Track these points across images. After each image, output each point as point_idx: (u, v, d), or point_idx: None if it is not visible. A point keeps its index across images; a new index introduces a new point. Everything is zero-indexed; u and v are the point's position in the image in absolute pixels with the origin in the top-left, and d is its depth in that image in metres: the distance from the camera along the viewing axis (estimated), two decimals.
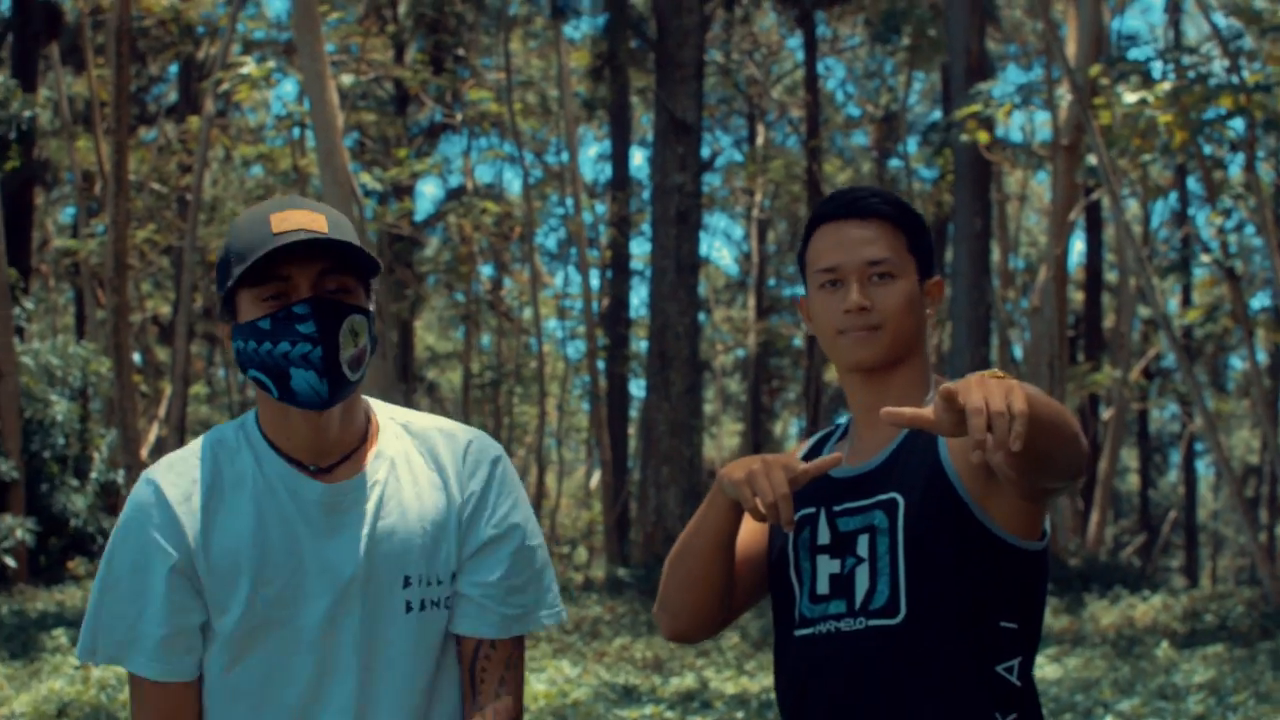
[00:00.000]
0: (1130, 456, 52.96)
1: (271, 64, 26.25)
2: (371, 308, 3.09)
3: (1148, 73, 21.69)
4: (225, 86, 24.86)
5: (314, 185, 28.86)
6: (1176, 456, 55.01)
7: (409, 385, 35.79)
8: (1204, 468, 55.42)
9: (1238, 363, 48.45)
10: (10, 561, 22.72)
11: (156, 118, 39.02)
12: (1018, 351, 34.87)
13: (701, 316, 35.30)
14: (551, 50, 37.17)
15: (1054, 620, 20.45)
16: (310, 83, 17.93)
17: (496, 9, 34.15)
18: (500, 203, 34.86)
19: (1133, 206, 38.22)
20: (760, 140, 43.41)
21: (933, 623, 3.14)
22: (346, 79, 30.39)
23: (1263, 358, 41.39)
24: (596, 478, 42.49)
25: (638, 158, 58.11)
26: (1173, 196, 40.08)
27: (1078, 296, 41.85)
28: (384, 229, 29.82)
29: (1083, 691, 12.38)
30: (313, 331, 2.97)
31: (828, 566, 3.26)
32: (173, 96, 40.23)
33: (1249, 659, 15.55)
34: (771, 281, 47.08)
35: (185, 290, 25.95)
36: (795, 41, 42.67)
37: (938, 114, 39.76)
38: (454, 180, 41.46)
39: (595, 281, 38.92)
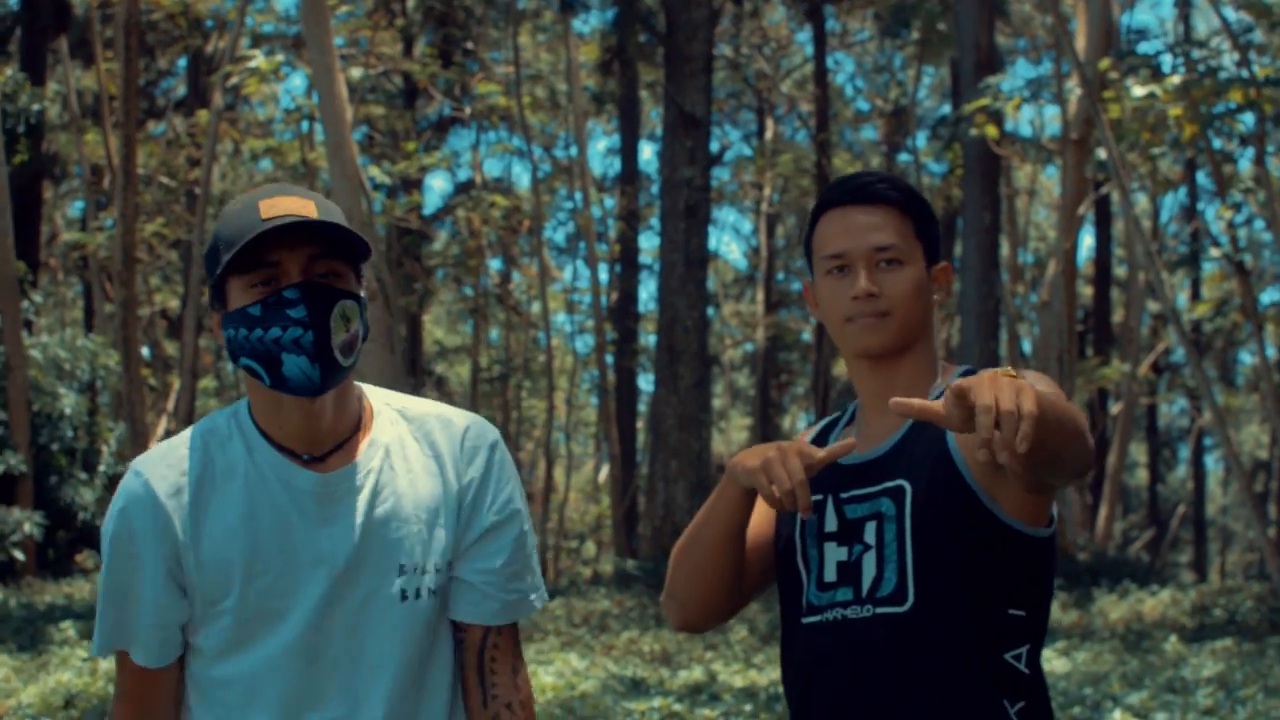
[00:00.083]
0: (1139, 451, 52.96)
1: (280, 57, 26.22)
2: (363, 293, 3.06)
3: (1157, 67, 21.66)
4: (234, 80, 24.87)
5: (322, 179, 28.86)
6: (1185, 451, 54.97)
7: (417, 379, 35.79)
8: (1213, 463, 55.41)
9: (1247, 357, 48.40)
10: (18, 555, 22.74)
11: (165, 111, 39.09)
12: (1027, 346, 34.88)
13: (710, 311, 35.34)
14: (560, 44, 37.19)
15: (1062, 615, 20.45)
16: (319, 76, 17.92)
17: (505, 3, 34.18)
18: (509, 197, 34.86)
19: (1142, 201, 38.21)
20: (769, 134, 43.41)
21: (941, 610, 3.12)
22: (355, 72, 30.40)
23: (1272, 352, 41.40)
24: (605, 472, 42.52)
25: (646, 152, 58.17)
26: (1182, 191, 40.04)
27: (1087, 291, 41.80)
28: (392, 223, 29.83)
29: (1091, 685, 12.37)
30: (304, 316, 2.94)
31: (835, 554, 3.24)
32: (181, 90, 40.24)
33: (1258, 653, 15.54)
34: (780, 276, 47.10)
35: (194, 284, 25.98)
36: (804, 36, 42.64)
37: (947, 108, 39.76)
38: (462, 174, 41.52)
39: (604, 276, 38.94)
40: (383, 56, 33.55)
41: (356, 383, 3.19)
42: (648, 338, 40.10)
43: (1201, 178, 39.62)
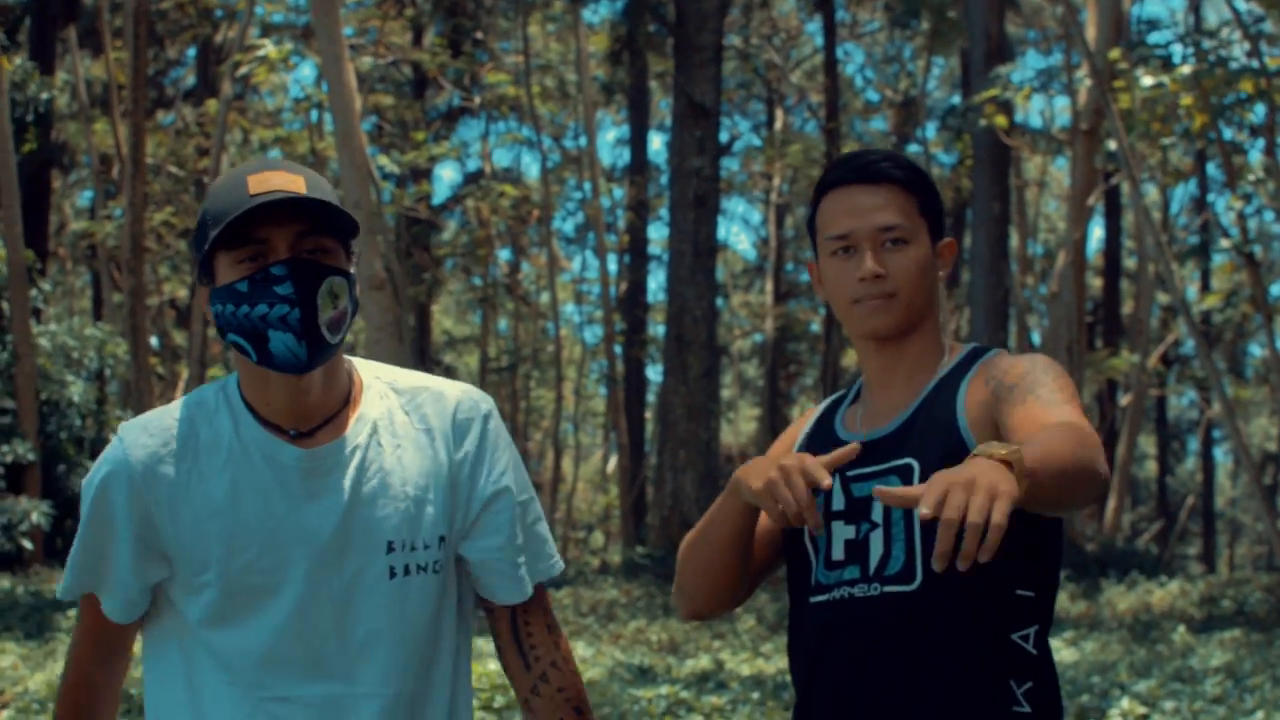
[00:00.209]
0: (1148, 443, 52.91)
1: (289, 47, 26.23)
2: (353, 270, 3.05)
3: (1168, 57, 21.62)
4: (243, 70, 24.86)
5: (332, 168, 28.87)
6: (1194, 443, 54.96)
7: (426, 369, 35.79)
8: (1222, 455, 55.38)
9: (1257, 349, 48.34)
10: (26, 544, 22.76)
11: (174, 101, 39.07)
12: (1036, 337, 34.84)
13: (719, 301, 35.28)
14: (570, 34, 37.18)
15: (1071, 605, 20.44)
16: (328, 66, 17.90)
17: None
18: (518, 186, 34.84)
19: (1152, 192, 38.13)
20: (779, 125, 43.37)
21: (948, 589, 3.11)
22: (365, 62, 30.39)
23: None
24: (613, 462, 42.52)
25: (656, 142, 58.23)
26: (1192, 183, 39.97)
27: (1096, 282, 41.79)
28: (401, 212, 29.83)
29: (1099, 674, 12.36)
30: (290, 293, 2.92)
31: (843, 532, 3.23)
32: (190, 80, 40.27)
33: (1266, 644, 15.52)
34: (789, 266, 47.06)
35: None
36: (814, 26, 42.65)
37: (957, 99, 39.70)
38: (472, 164, 41.47)
39: (613, 266, 38.93)
40: (392, 46, 33.56)
41: (347, 357, 3.18)
42: (656, 328, 40.01)
43: (1212, 169, 39.54)
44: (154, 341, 33.75)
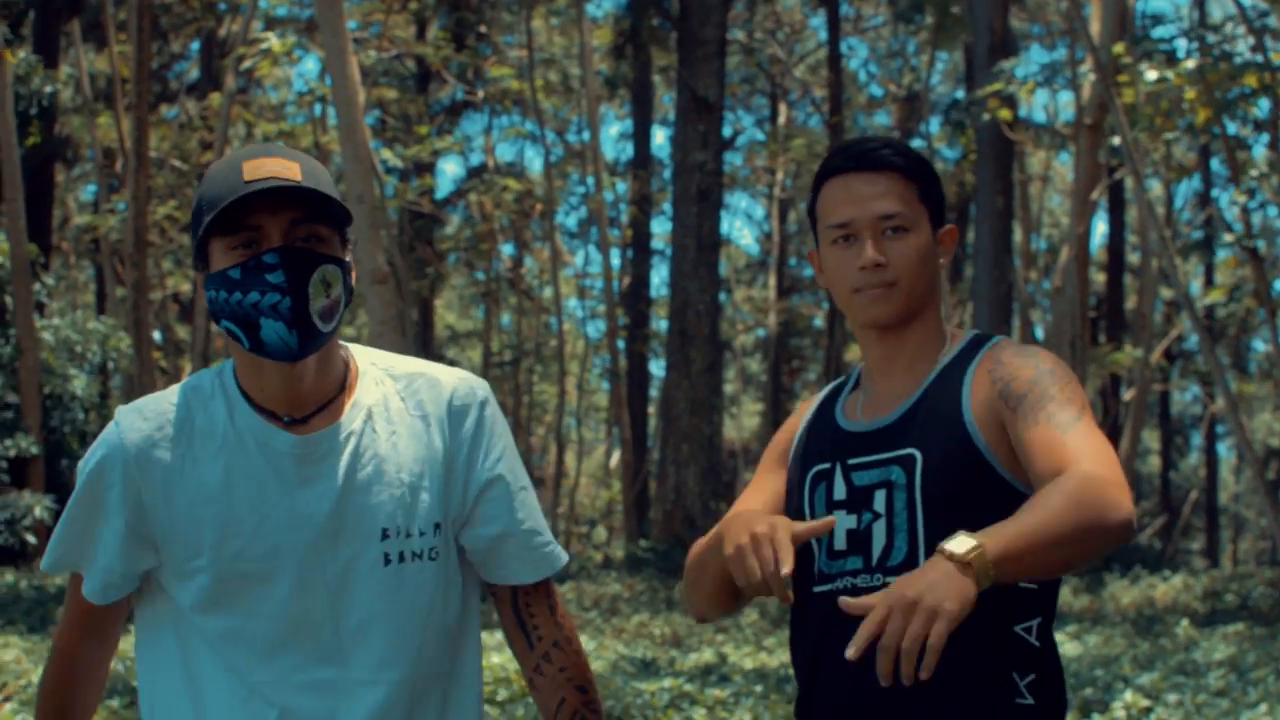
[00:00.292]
0: (1152, 438, 52.91)
1: (293, 40, 26.23)
2: (348, 257, 3.04)
3: (1172, 52, 21.59)
4: (247, 63, 24.87)
5: (335, 162, 28.87)
6: (1198, 438, 54.94)
7: None
8: (1225, 450, 55.40)
9: (1260, 345, 48.32)
10: (29, 538, 22.76)
11: (178, 95, 39.10)
12: (1039, 332, 34.83)
13: (722, 296, 35.30)
14: (574, 28, 37.14)
15: (1074, 599, 20.44)
16: (332, 59, 17.88)
17: None
18: (521, 181, 34.85)
19: (1155, 187, 38.10)
20: (782, 119, 43.36)
21: None
22: (368, 56, 30.38)
23: None
24: (616, 457, 42.50)
25: (659, 136, 58.09)
26: (1196, 178, 39.96)
27: (1100, 277, 41.75)
28: (404, 206, 29.84)
29: (1103, 667, 12.36)
30: (282, 281, 2.92)
31: (845, 522, 3.23)
32: (194, 74, 40.27)
33: (1269, 637, 15.52)
34: (793, 261, 47.07)
35: None
36: (818, 20, 42.64)
37: (960, 94, 39.67)
38: (475, 158, 41.46)
39: (616, 260, 38.95)
40: (396, 40, 33.54)
41: (344, 343, 3.18)
42: (659, 323, 40.06)
43: (1216, 164, 39.54)
44: (157, 335, 33.75)
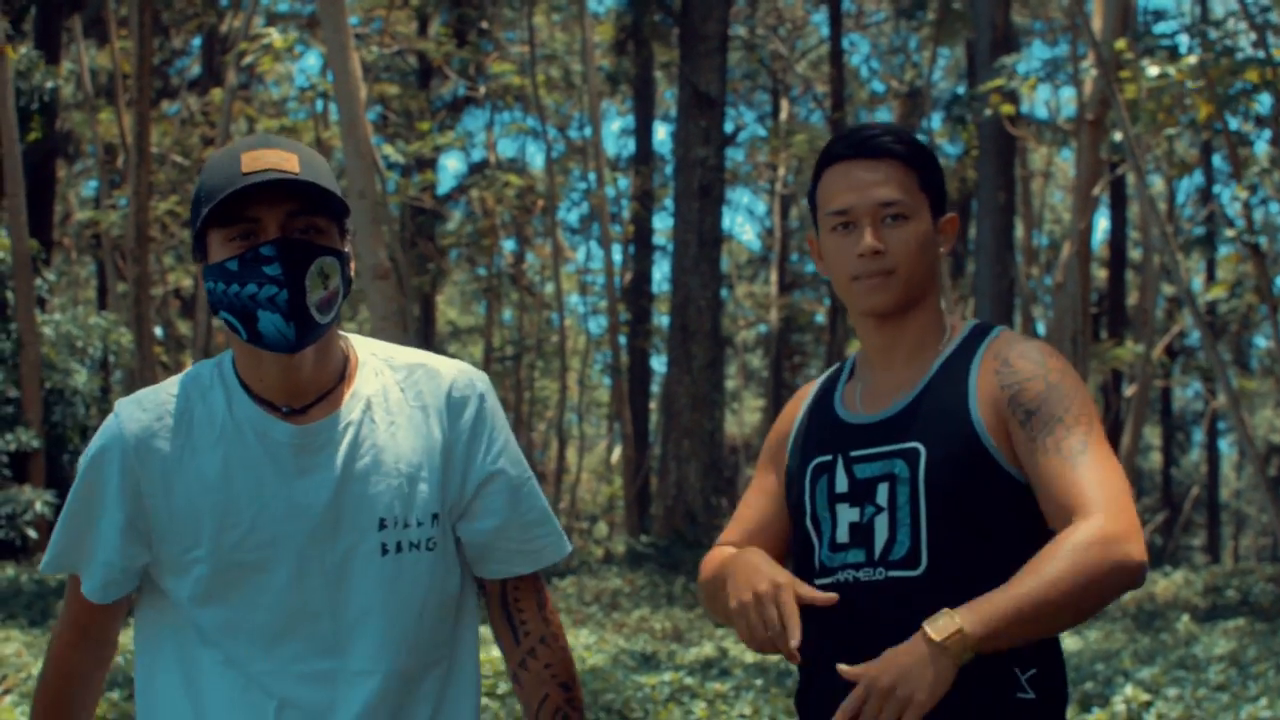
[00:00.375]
0: (1153, 434, 52.91)
1: (295, 36, 26.21)
2: (346, 248, 3.04)
3: (1174, 47, 21.57)
4: (249, 59, 24.85)
5: (336, 158, 28.85)
6: (1199, 435, 54.92)
7: None
8: (1227, 446, 55.36)
9: (1262, 341, 48.30)
10: (30, 533, 22.76)
11: (179, 90, 39.09)
12: (1041, 328, 34.82)
13: (724, 291, 35.27)
14: (575, 24, 37.10)
15: None
16: (333, 55, 17.87)
17: None
18: (523, 177, 34.83)
19: (1157, 183, 38.10)
20: (784, 115, 43.34)
21: (954, 575, 3.11)
22: (370, 51, 30.37)
23: None
24: (617, 453, 42.49)
25: (661, 132, 58.15)
26: (1198, 173, 39.95)
27: (1101, 273, 41.74)
28: (406, 202, 29.84)
29: (1103, 661, 12.36)
30: (279, 274, 2.93)
31: (847, 515, 3.23)
32: (196, 69, 40.24)
33: (1270, 633, 15.51)
34: (794, 257, 47.04)
35: None
36: (820, 16, 42.60)
37: (962, 90, 39.66)
38: (476, 154, 41.45)
39: (617, 256, 38.95)
40: (397, 36, 33.54)
41: (344, 334, 3.18)
42: (661, 318, 40.06)
43: (1217, 160, 39.53)
44: (158, 331, 33.75)
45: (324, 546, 3.04)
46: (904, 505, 3.16)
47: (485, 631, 12.90)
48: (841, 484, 3.24)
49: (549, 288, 42.27)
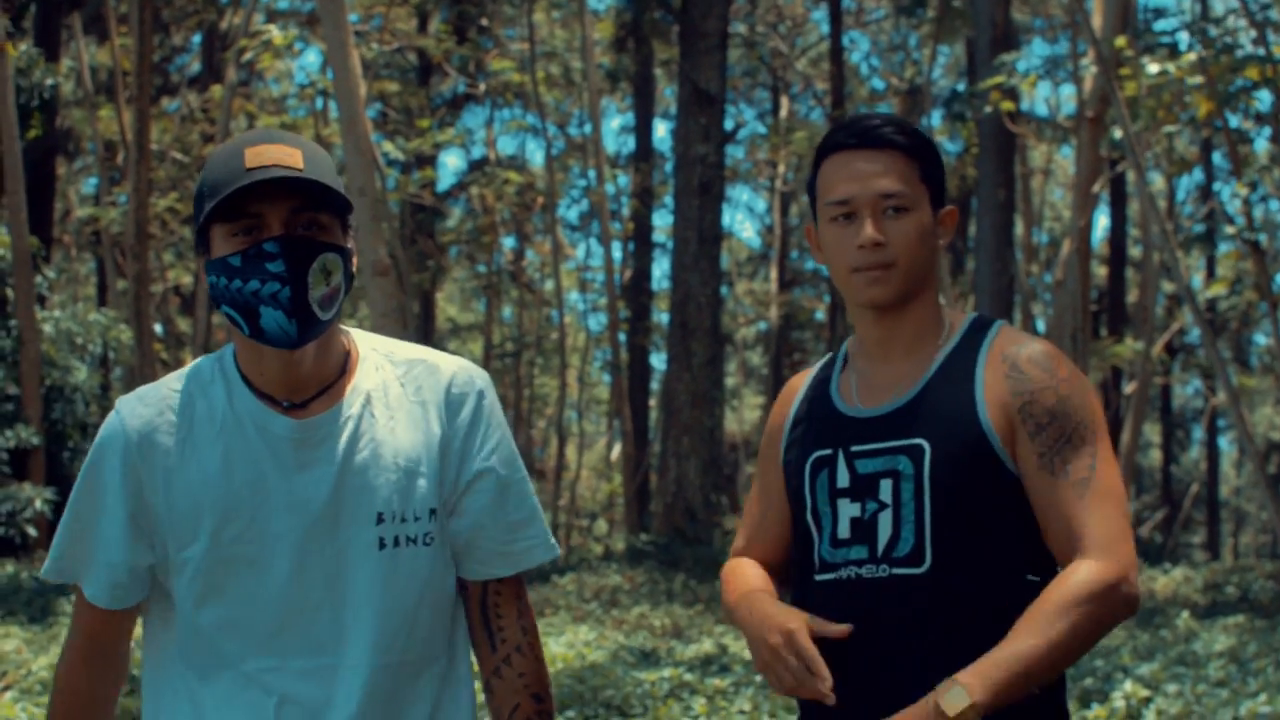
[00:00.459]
0: (1153, 431, 52.90)
1: (295, 33, 26.22)
2: (349, 244, 3.04)
3: (1174, 44, 21.56)
4: (249, 56, 24.84)
5: (337, 155, 28.85)
6: (1199, 432, 54.92)
7: None
8: (1227, 444, 55.35)
9: (1262, 338, 48.29)
10: (30, 530, 22.76)
11: (179, 87, 39.08)
12: (1040, 325, 34.80)
13: (723, 289, 35.26)
14: (575, 21, 37.09)
15: None
16: (333, 52, 17.86)
17: None
18: (523, 174, 34.83)
19: (1157, 180, 38.08)
20: (784, 112, 43.32)
21: (958, 573, 3.11)
22: (370, 48, 30.36)
23: None
24: (617, 450, 42.48)
25: (661, 129, 58.20)
26: (1198, 170, 39.93)
27: (1101, 270, 41.73)
28: (406, 199, 29.84)
29: (1102, 657, 12.36)
30: (282, 270, 2.93)
31: (848, 510, 3.22)
32: (196, 66, 40.22)
33: (1270, 629, 15.49)
34: (794, 254, 47.02)
35: None
36: (820, 14, 42.59)
37: (962, 87, 39.64)
38: (476, 151, 41.43)
39: (617, 253, 38.94)
40: (397, 33, 33.52)
41: (345, 328, 3.18)
42: (660, 315, 40.03)
43: (1217, 157, 39.51)
44: (158, 328, 33.75)
45: (323, 541, 3.03)
46: (908, 502, 3.15)
47: None
48: (843, 479, 3.23)
49: (549, 285, 42.27)
